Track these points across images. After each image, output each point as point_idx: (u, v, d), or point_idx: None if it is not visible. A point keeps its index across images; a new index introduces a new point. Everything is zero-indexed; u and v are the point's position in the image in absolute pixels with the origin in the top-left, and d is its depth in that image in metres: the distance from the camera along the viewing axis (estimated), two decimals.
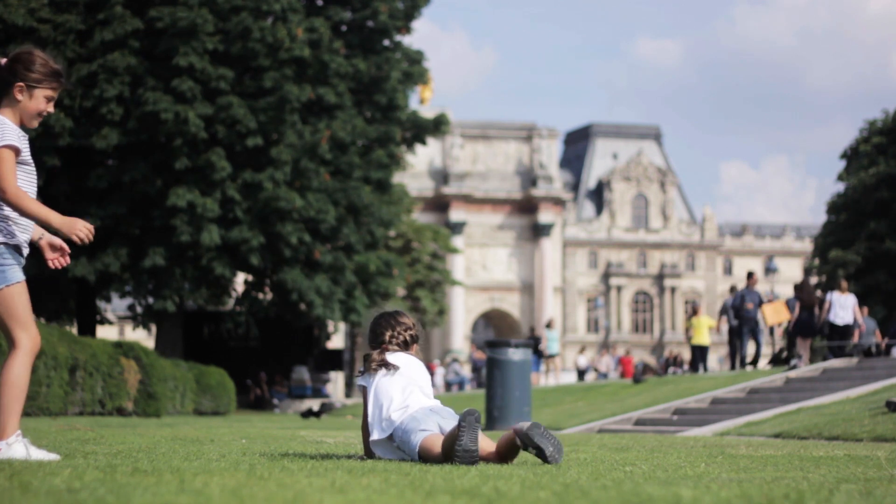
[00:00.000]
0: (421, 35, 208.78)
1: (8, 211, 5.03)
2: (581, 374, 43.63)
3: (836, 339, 23.24)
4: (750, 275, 25.64)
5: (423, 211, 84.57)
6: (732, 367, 25.78)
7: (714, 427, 14.87)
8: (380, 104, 35.86)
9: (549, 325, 37.12)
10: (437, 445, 5.55)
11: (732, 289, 27.59)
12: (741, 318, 25.03)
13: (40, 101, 5.12)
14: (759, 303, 25.05)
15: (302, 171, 32.72)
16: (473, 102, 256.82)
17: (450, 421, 5.73)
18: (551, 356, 36.63)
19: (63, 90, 5.26)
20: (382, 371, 5.90)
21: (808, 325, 22.65)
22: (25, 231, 5.11)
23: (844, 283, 24.20)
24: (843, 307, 23.48)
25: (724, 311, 26.43)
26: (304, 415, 24.55)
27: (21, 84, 5.06)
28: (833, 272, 51.55)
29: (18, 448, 4.94)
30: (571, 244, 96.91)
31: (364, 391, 5.94)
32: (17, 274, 5.02)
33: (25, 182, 5.10)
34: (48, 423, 12.59)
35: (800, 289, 23.22)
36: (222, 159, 31.28)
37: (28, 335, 5.01)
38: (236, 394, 30.07)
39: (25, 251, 5.12)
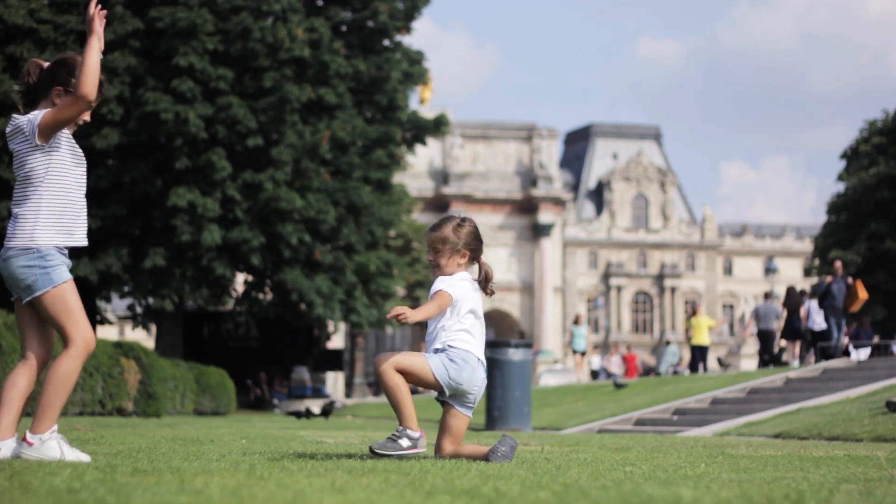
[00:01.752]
0: (422, 35, 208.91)
1: (41, 215, 4.94)
2: (594, 374, 43.47)
3: (816, 343, 23.53)
4: (832, 261, 24.23)
5: (423, 211, 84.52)
6: (818, 359, 23.40)
7: (714, 427, 14.86)
8: (380, 104, 35.86)
9: (576, 321, 35.40)
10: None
11: (767, 295, 27.37)
12: (827, 307, 23.53)
13: None
14: (847, 288, 23.60)
15: (302, 172, 32.73)
16: (474, 102, 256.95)
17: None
18: (578, 353, 35.26)
19: (102, 100, 5.17)
20: (476, 286, 5.68)
21: (794, 329, 24.27)
22: (59, 234, 4.97)
23: None
24: (820, 313, 23.77)
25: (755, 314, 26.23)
26: (297, 415, 23.20)
27: (60, 88, 5.00)
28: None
29: (52, 445, 4.88)
30: (571, 244, 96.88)
31: (444, 296, 5.61)
32: (63, 273, 4.94)
33: (75, 164, 5.00)
34: None
35: (786, 295, 24.69)
36: (222, 159, 31.29)
37: (81, 334, 4.93)
38: (236, 394, 30.05)
39: (65, 249, 4.99)
